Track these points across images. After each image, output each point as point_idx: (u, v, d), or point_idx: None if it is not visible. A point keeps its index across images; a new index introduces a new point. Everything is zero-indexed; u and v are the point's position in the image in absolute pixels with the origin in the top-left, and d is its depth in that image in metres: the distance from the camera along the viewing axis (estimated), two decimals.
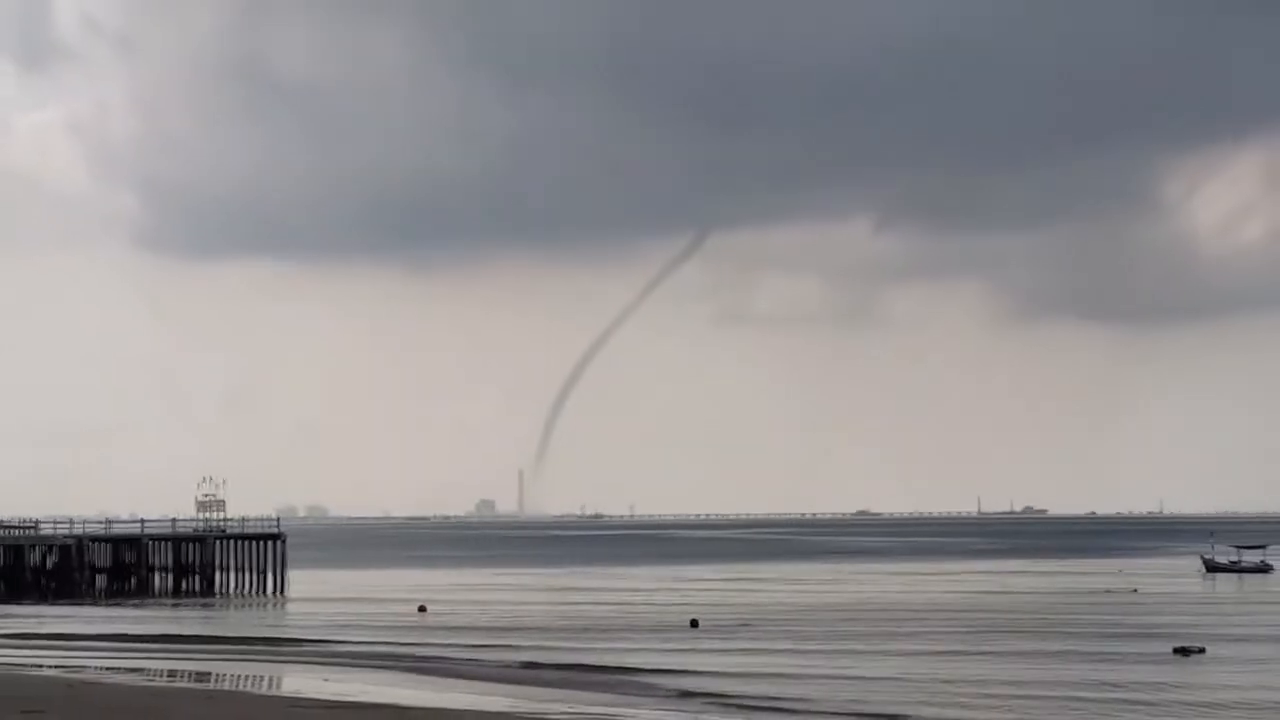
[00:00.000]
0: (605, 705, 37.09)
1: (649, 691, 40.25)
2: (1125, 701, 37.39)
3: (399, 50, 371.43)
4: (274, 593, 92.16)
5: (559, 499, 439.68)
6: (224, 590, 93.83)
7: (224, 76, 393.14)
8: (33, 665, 47.82)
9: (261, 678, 46.16)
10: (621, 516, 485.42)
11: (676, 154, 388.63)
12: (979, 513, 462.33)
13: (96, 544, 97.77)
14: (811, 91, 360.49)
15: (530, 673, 46.29)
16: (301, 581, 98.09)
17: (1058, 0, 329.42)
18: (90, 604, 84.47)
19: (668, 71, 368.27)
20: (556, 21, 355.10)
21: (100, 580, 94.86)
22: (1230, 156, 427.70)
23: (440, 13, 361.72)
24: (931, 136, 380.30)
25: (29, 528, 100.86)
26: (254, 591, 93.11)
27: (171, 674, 46.17)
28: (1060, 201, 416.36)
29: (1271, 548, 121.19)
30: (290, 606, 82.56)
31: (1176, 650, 49.73)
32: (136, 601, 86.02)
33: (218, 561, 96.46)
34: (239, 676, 46.29)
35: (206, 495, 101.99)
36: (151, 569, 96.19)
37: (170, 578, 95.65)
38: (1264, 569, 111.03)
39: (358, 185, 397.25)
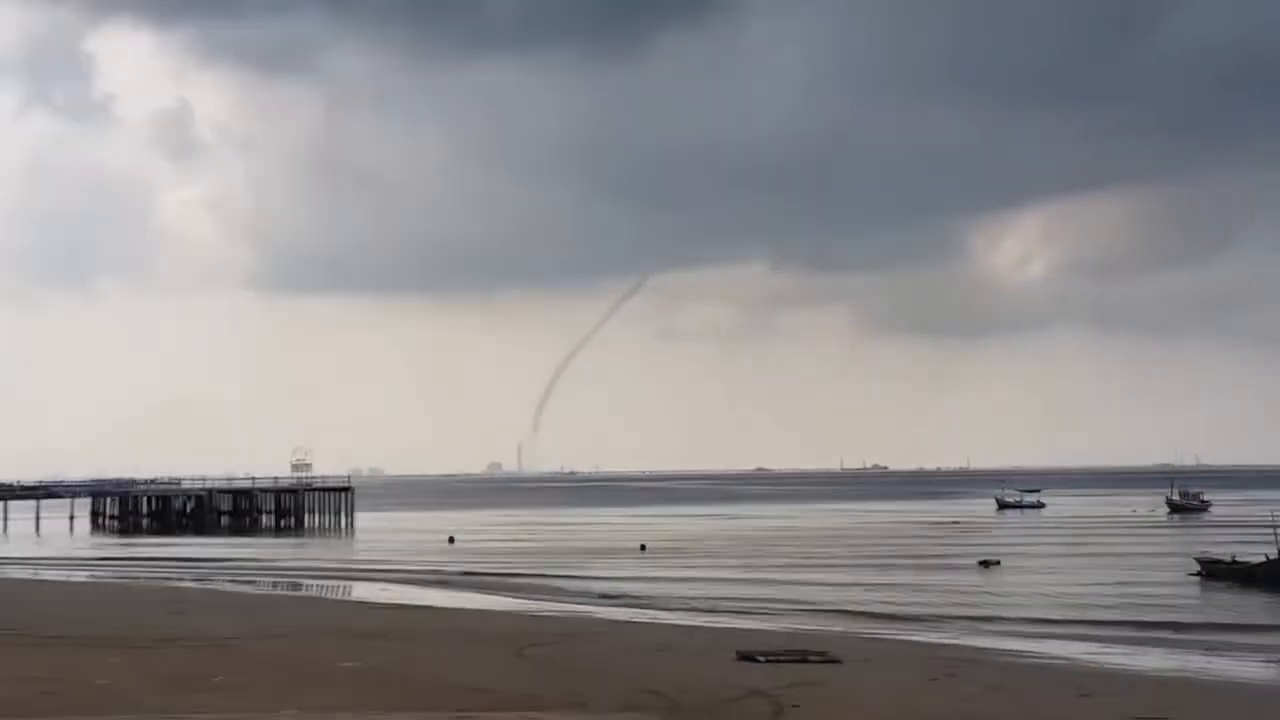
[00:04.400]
0: (576, 606, 38.14)
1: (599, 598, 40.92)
2: (953, 598, 39.84)
3: (440, 145, 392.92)
4: (346, 529, 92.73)
5: (546, 461, 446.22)
6: (311, 527, 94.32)
7: (313, 164, 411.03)
8: (176, 578, 49.72)
9: (339, 586, 47.45)
10: (590, 473, 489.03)
11: (628, 220, 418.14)
12: (841, 469, 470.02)
13: (221, 494, 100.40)
14: (726, 174, 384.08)
15: (522, 583, 46.89)
16: (365, 521, 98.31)
17: (893, 112, 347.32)
18: (217, 538, 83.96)
19: (623, 163, 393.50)
20: (547, 127, 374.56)
21: (224, 520, 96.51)
22: (1016, 219, 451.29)
23: (470, 119, 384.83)
24: (813, 207, 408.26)
25: (174, 483, 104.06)
26: (332, 529, 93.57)
27: (275, 585, 47.63)
28: (901, 252, 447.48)
29: (1045, 491, 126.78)
30: (357, 539, 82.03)
31: (981, 563, 51.93)
32: (249, 536, 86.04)
33: (306, 507, 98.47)
34: (323, 587, 47.62)
35: (298, 459, 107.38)
36: (260, 512, 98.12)
37: (273, 519, 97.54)
38: (1039, 506, 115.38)
39: (406, 242, 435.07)
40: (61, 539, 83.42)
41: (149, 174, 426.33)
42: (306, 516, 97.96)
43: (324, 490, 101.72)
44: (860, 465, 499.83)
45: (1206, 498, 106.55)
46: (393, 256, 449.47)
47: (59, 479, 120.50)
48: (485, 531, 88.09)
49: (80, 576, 51.29)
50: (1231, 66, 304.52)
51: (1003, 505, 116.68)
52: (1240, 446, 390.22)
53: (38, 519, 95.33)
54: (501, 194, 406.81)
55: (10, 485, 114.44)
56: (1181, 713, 17.24)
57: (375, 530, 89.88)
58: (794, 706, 16.53)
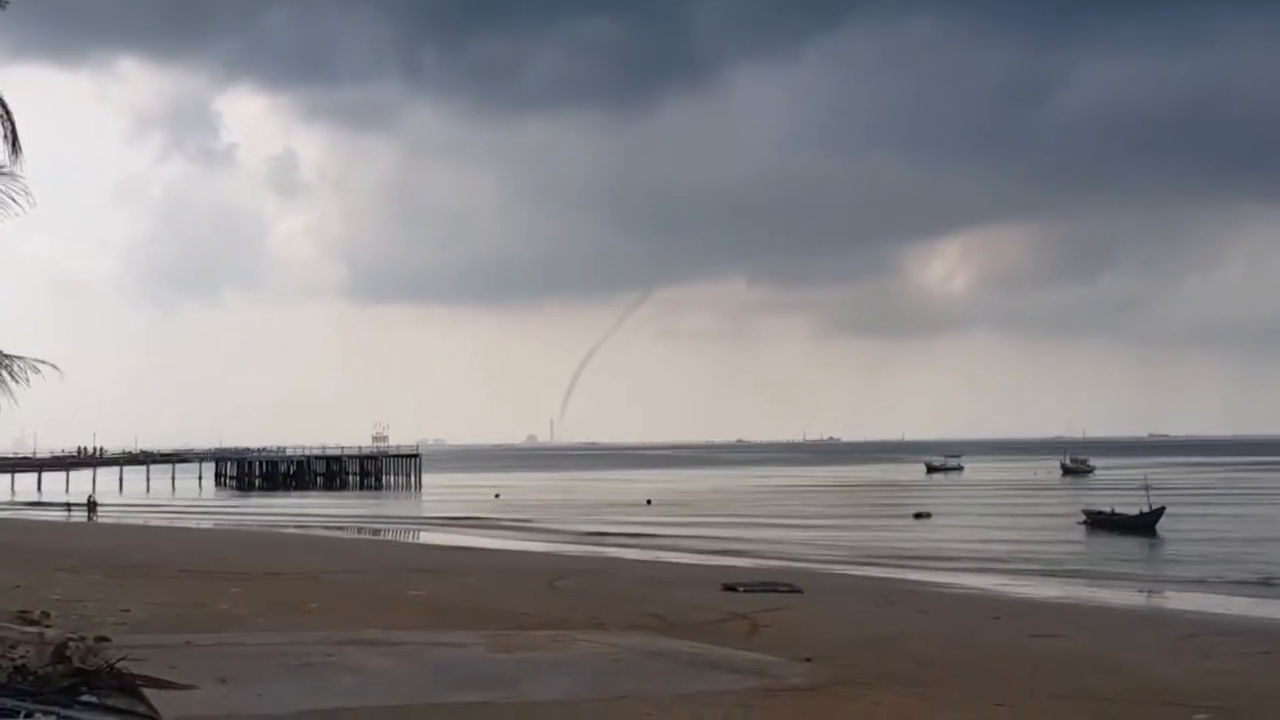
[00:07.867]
0: (595, 547, 37.85)
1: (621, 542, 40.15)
2: (892, 542, 39.28)
3: (492, 186, 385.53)
4: (414, 488, 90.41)
5: (573, 434, 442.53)
6: (387, 486, 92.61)
7: (392, 200, 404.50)
8: (282, 525, 49.10)
9: (409, 532, 47.60)
10: (608, 443, 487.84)
11: (638, 246, 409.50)
12: (804, 440, 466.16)
13: (317, 460, 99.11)
14: (714, 209, 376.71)
15: (553, 529, 46.02)
16: (430, 481, 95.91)
17: (846, 161, 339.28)
18: (313, 494, 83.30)
19: (635, 200, 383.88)
20: (576, 171, 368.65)
21: (319, 481, 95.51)
22: (941, 245, 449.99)
23: (516, 165, 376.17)
24: (781, 235, 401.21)
25: (280, 451, 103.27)
26: (403, 487, 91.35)
27: (358, 531, 47.58)
28: (850, 271, 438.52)
29: (964, 458, 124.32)
30: (424, 496, 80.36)
31: (915, 515, 51.33)
32: (339, 493, 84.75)
33: (384, 470, 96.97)
34: (396, 532, 47.56)
35: (378, 432, 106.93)
36: (348, 474, 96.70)
37: (358, 479, 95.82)
38: (960, 469, 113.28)
39: (465, 263, 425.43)
40: (191, 495, 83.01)
41: (263, 207, 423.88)
42: (384, 478, 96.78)
43: (398, 457, 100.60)
44: (819, 437, 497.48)
45: (1092, 463, 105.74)
46: (454, 274, 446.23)
47: (189, 448, 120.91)
48: (524, 489, 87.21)
49: (207, 524, 51.02)
50: (1109, 127, 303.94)
51: (931, 469, 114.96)
52: (1119, 422, 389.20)
53: (173, 479, 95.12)
54: (540, 224, 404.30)
55: (151, 452, 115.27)
56: (1072, 631, 17.20)
57: (438, 488, 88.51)
58: (765, 626, 16.59)
